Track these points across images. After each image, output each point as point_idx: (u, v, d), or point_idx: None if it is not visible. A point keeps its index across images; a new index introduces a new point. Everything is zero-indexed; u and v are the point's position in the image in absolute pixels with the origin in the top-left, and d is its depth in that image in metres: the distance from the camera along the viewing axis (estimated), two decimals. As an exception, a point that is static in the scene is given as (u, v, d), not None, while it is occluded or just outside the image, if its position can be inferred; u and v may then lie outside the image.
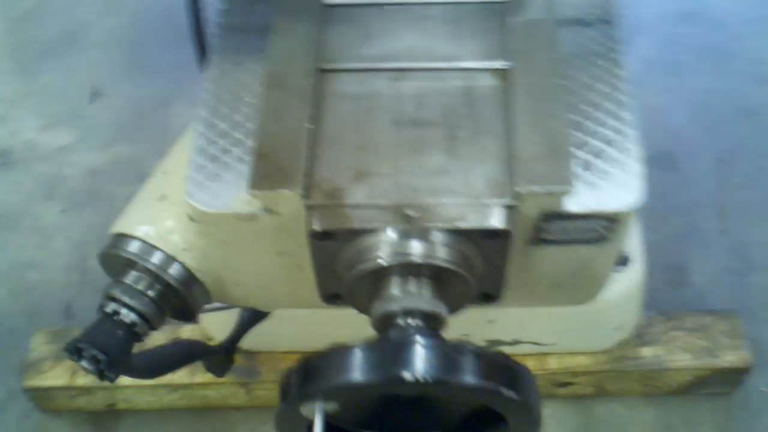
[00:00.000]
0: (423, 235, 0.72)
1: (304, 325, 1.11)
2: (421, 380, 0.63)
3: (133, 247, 0.82)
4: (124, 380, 1.27)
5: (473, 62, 0.81)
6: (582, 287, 0.85)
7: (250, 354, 1.30)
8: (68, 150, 1.69)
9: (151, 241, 0.81)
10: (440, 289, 0.74)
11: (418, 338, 0.67)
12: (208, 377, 1.29)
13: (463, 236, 0.72)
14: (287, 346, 1.29)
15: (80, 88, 1.80)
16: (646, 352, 1.31)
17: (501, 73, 0.80)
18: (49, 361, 1.30)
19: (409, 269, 0.73)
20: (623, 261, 1.25)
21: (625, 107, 0.79)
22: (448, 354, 0.65)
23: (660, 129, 1.70)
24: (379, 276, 0.74)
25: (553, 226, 0.74)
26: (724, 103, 1.75)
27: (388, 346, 0.68)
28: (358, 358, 0.65)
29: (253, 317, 1.01)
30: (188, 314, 0.86)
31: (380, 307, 0.73)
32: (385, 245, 0.72)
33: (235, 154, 0.76)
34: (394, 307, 0.72)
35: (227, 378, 1.29)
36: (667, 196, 1.61)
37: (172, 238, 0.81)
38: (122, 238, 0.83)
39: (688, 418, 1.34)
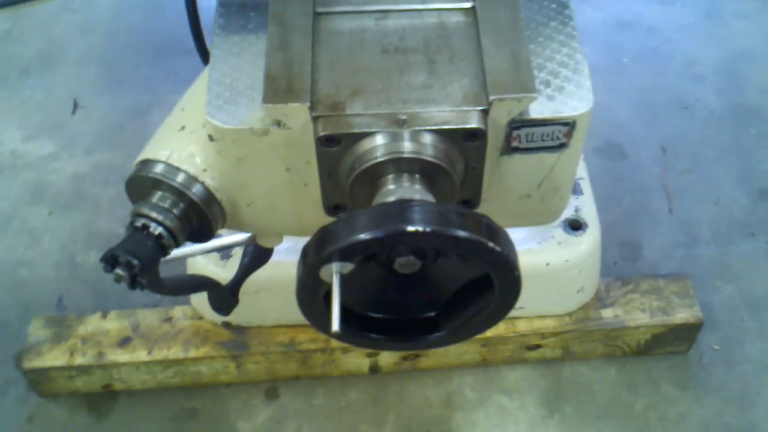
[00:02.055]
0: (413, 136, 0.84)
1: (292, 298, 1.20)
2: (421, 231, 0.73)
3: (159, 169, 0.91)
4: (120, 358, 1.35)
5: (445, 3, 0.94)
6: (548, 200, 0.97)
7: (240, 329, 1.38)
8: (52, 158, 1.76)
9: (175, 164, 0.90)
10: (430, 186, 0.85)
11: (416, 202, 0.79)
12: (201, 352, 1.37)
13: (446, 137, 0.84)
14: (275, 319, 1.37)
15: (60, 102, 1.88)
16: (607, 313, 1.42)
17: (469, 10, 0.93)
18: (48, 343, 1.35)
19: (402, 166, 0.84)
20: (580, 226, 1.38)
21: (574, 38, 0.92)
22: (442, 212, 0.76)
23: (607, 123, 1.85)
24: (377, 175, 0.85)
25: (521, 133, 0.86)
26: (662, 99, 1.91)
27: (392, 208, 0.79)
28: (365, 219, 0.75)
29: (256, 258, 1.10)
30: (205, 234, 0.95)
31: (379, 202, 0.83)
32: (381, 146, 0.83)
33: (248, 83, 0.87)
34: (391, 198, 0.82)
35: (219, 351, 1.36)
36: (617, 181, 1.75)
37: (194, 160, 0.91)
38: (148, 162, 0.92)
39: (648, 376, 1.46)
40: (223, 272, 1.27)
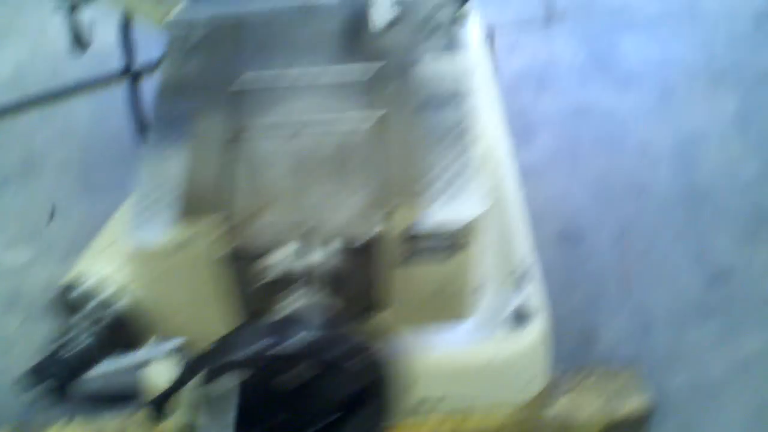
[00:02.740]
0: (317, 246, 0.89)
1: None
2: (277, 354, 0.79)
3: (84, 288, 0.96)
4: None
5: (354, 114, 1.02)
6: (456, 299, 1.02)
7: None
8: (28, 266, 1.84)
9: (99, 282, 0.96)
10: (333, 294, 0.91)
11: (286, 320, 0.85)
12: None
13: (349, 245, 0.90)
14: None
15: (39, 210, 1.96)
16: (559, 405, 1.45)
17: (377, 123, 1.01)
18: (14, 453, 1.39)
19: (305, 276, 0.90)
20: (525, 316, 1.42)
21: (469, 148, 0.99)
22: (309, 332, 0.81)
23: (565, 208, 1.91)
24: (283, 285, 0.90)
25: (419, 238, 0.92)
26: (619, 182, 1.97)
27: (258, 329, 0.84)
28: (232, 340, 0.81)
29: (186, 371, 1.14)
30: (132, 345, 1.00)
31: (279, 312, 0.89)
32: (286, 257, 0.89)
33: (165, 203, 0.94)
34: (291, 309, 0.88)
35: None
36: (575, 266, 1.80)
37: (117, 277, 0.97)
38: (73, 283, 0.97)
39: (605, 467, 1.47)
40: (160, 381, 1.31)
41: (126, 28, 1.48)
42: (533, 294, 1.45)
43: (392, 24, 1.07)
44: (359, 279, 0.92)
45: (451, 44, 1.08)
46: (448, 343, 1.30)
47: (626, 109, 2.15)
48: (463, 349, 0.89)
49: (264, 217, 0.91)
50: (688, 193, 1.93)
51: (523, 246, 1.50)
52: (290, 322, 0.83)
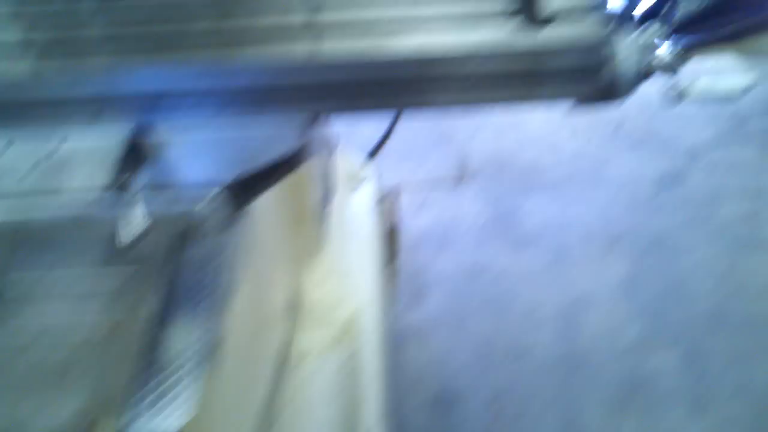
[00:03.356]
0: None
1: None
2: None
3: None
4: None
5: (92, 321, 1.08)
6: None
7: None
8: None
9: None
10: None
11: None
12: None
13: None
14: None
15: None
16: None
17: (110, 330, 1.06)
18: None
19: None
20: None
21: (202, 361, 1.04)
22: None
23: (445, 371, 1.95)
24: None
25: None
26: (501, 346, 2.01)
27: None
28: None
29: None
30: None
31: None
32: None
33: None
34: None
35: None
36: (444, 432, 1.82)
37: None
38: None
39: None
40: None
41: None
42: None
43: (146, 234, 1.16)
44: None
45: (218, 247, 1.16)
46: None
47: (519, 271, 2.22)
48: None
49: None
50: (566, 358, 1.97)
51: (371, 416, 1.54)
52: None
